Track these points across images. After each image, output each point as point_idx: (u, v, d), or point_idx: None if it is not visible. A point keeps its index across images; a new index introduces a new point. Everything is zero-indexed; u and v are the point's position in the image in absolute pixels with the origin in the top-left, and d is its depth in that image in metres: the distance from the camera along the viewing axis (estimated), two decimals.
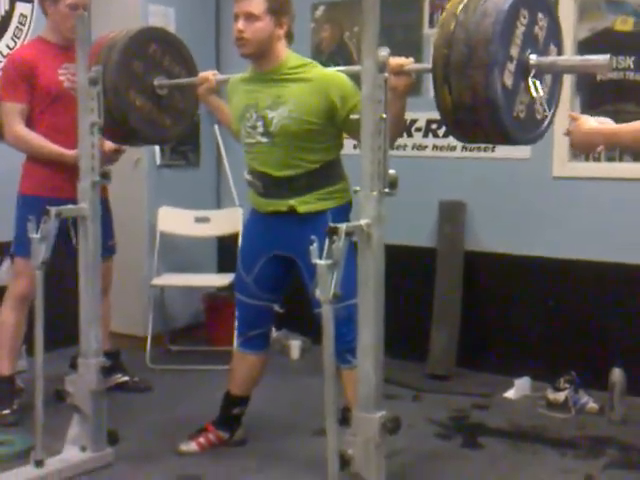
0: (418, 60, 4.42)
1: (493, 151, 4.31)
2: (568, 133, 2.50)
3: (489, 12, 2.28)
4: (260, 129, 3.05)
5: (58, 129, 3.63)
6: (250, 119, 3.08)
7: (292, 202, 3.04)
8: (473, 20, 2.28)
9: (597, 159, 4.07)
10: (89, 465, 3.15)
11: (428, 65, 2.43)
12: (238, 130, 3.19)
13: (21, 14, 4.48)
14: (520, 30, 2.35)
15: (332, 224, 2.33)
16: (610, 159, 4.05)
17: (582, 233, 4.17)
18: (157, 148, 4.82)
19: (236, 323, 3.38)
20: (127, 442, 3.36)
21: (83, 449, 3.16)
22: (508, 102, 2.33)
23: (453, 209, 4.49)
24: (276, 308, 3.33)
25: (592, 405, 3.86)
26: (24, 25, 4.49)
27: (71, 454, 3.14)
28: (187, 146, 5.03)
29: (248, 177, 3.18)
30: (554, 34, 2.51)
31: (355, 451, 2.39)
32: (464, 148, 4.40)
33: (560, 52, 2.55)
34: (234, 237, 4.70)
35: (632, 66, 3.98)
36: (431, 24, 4.50)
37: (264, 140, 3.05)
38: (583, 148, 2.47)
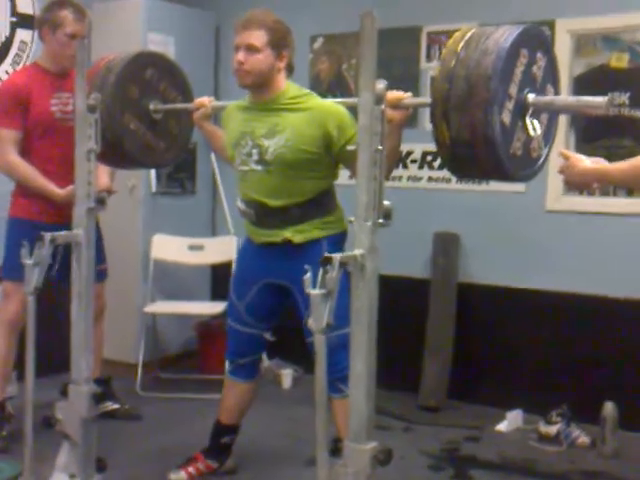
0: (415, 93, 4.48)
1: (488, 184, 4.34)
2: (562, 171, 2.53)
3: (490, 50, 2.31)
4: (255, 157, 3.06)
5: (49, 158, 3.64)
6: (245, 146, 3.09)
7: (287, 234, 3.05)
8: (474, 57, 2.31)
9: (591, 194, 4.09)
10: None
11: (426, 99, 2.45)
12: (232, 156, 3.20)
13: (21, 41, 4.51)
14: (519, 69, 2.38)
15: (327, 254, 2.34)
16: (604, 194, 4.08)
17: (575, 267, 4.18)
18: (153, 175, 4.84)
19: (226, 350, 3.37)
20: (116, 470, 3.33)
21: (72, 477, 3.12)
22: (506, 140, 2.35)
23: (447, 241, 4.50)
24: (267, 336, 3.33)
25: (584, 439, 3.86)
26: (24, 52, 4.52)
27: None
28: (183, 173, 5.05)
29: (241, 205, 3.18)
30: (552, 74, 2.55)
31: None
32: (459, 180, 4.42)
33: (557, 92, 2.58)
34: (228, 265, 4.70)
35: (627, 102, 4.01)
36: (428, 58, 4.55)
37: (259, 168, 3.06)
38: (577, 187, 2.51)
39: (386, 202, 2.41)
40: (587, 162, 2.48)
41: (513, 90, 2.36)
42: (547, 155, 2.58)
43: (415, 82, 4.56)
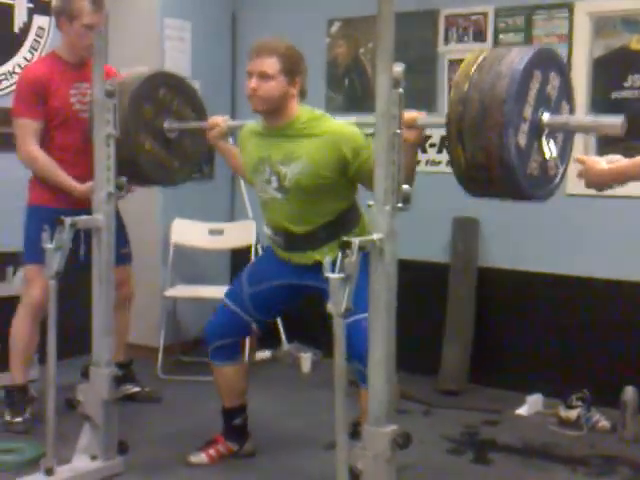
0: (432, 76, 4.49)
1: None
2: (580, 176, 2.52)
3: (503, 73, 2.30)
4: (274, 184, 3.07)
5: (66, 147, 3.66)
6: (264, 173, 3.10)
7: (317, 256, 3.00)
8: (487, 80, 2.30)
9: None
10: (99, 474, 3.16)
11: (441, 119, 2.46)
12: (251, 181, 3.22)
13: (39, 27, 4.52)
14: (533, 90, 2.37)
15: (346, 239, 2.34)
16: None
17: (595, 251, 4.16)
18: None
19: (205, 332, 3.34)
20: (137, 452, 3.36)
21: (93, 458, 3.17)
22: (522, 162, 2.35)
23: (467, 225, 4.49)
24: (254, 327, 3.32)
25: (604, 423, 3.85)
26: (42, 38, 4.53)
27: (81, 463, 3.15)
28: (200, 158, 5.04)
29: (269, 232, 3.21)
30: (566, 92, 2.54)
31: (365, 465, 2.38)
32: None
33: (572, 109, 2.58)
34: (247, 250, 4.71)
35: None
36: (446, 41, 4.52)
37: (279, 196, 3.07)
38: (597, 188, 2.50)
39: (405, 186, 2.42)
40: (603, 163, 2.47)
41: (528, 111, 2.36)
42: (564, 173, 2.57)
43: (432, 65, 4.53)
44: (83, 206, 3.32)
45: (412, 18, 4.47)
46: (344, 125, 3.03)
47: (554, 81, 2.46)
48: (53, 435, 3.03)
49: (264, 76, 2.98)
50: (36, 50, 4.51)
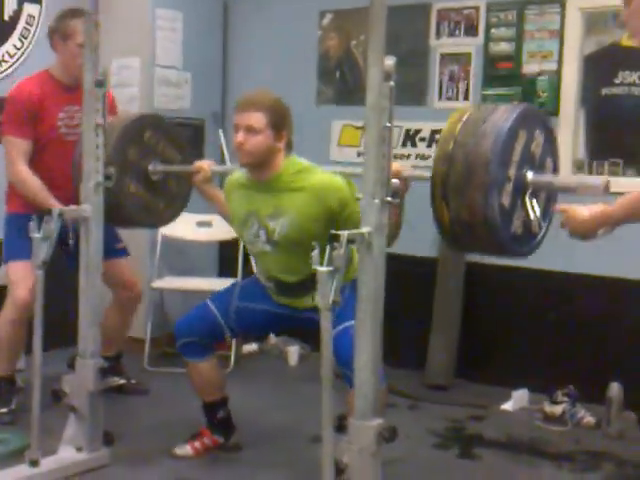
0: (423, 70, 4.48)
1: None
2: (563, 226, 2.50)
3: (488, 133, 2.31)
4: (263, 237, 3.08)
5: (51, 168, 3.63)
6: (252, 227, 3.10)
7: (309, 300, 2.90)
8: (472, 141, 2.31)
9: (600, 172, 4.07)
10: (84, 465, 3.15)
11: (425, 173, 2.48)
12: (239, 234, 3.24)
13: (29, 15, 4.49)
14: (518, 150, 2.38)
15: (334, 232, 2.33)
16: (613, 173, 4.05)
17: (583, 247, 4.13)
18: None
19: (175, 326, 3.31)
20: (123, 444, 3.36)
21: (79, 449, 3.16)
22: (505, 221, 2.37)
23: None
24: (227, 335, 3.30)
25: (589, 419, 3.86)
26: (31, 26, 4.51)
27: (67, 454, 3.14)
28: (191, 149, 5.02)
29: (261, 278, 3.23)
30: (550, 149, 2.55)
31: (350, 459, 2.39)
32: None
33: (556, 166, 2.59)
34: (235, 242, 4.70)
35: (637, 81, 3.98)
36: (438, 34, 4.52)
37: (268, 248, 3.08)
38: (583, 237, 2.47)
39: (394, 180, 2.41)
40: (585, 211, 2.43)
41: (512, 171, 2.37)
42: (547, 229, 2.58)
43: (424, 59, 4.53)
44: (66, 205, 3.29)
45: (404, 11, 4.46)
46: (329, 177, 3.02)
47: (539, 138, 2.48)
48: (38, 426, 3.01)
49: (251, 130, 2.98)
50: (26, 38, 4.48)
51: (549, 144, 2.54)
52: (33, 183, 3.61)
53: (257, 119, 2.98)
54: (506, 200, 2.35)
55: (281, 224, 3.02)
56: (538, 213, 2.48)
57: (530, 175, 2.42)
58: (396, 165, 2.58)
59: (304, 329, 3.14)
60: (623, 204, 2.34)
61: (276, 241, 3.05)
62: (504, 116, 2.35)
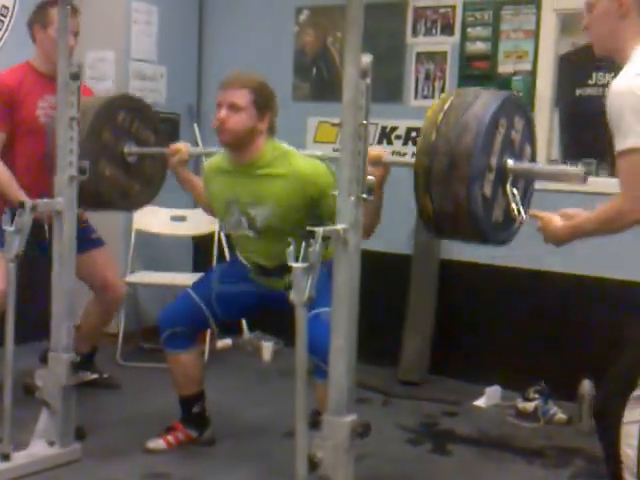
0: (400, 68, 4.49)
1: None
2: (539, 230, 2.53)
3: (470, 126, 2.34)
4: (245, 224, 3.08)
5: (30, 156, 3.60)
6: (234, 215, 3.10)
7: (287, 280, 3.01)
8: (454, 133, 2.34)
9: None
10: (56, 460, 3.13)
11: (408, 160, 2.51)
12: (221, 219, 3.24)
13: (3, 6, 4.44)
14: (499, 138, 2.42)
15: (310, 228, 2.34)
16: (586, 173, 4.07)
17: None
18: None
19: (160, 318, 3.32)
20: (95, 438, 3.34)
21: (51, 444, 3.14)
22: (487, 211, 2.42)
23: None
24: (211, 323, 3.31)
25: (561, 416, 3.90)
26: (5, 17, 4.45)
27: (38, 448, 3.12)
28: (166, 144, 5.00)
29: (241, 258, 3.23)
30: (529, 135, 2.59)
31: (324, 454, 2.39)
32: None
33: (533, 152, 2.63)
34: (210, 237, 4.70)
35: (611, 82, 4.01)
36: (414, 33, 4.53)
37: (251, 234, 3.09)
38: (556, 244, 2.52)
39: (369, 177, 2.42)
40: (557, 220, 2.47)
41: (494, 160, 2.41)
42: (524, 217, 2.61)
43: (400, 57, 4.54)
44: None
45: (381, 9, 4.46)
46: (311, 163, 3.01)
47: (518, 125, 2.51)
48: (10, 420, 2.99)
49: (234, 107, 2.97)
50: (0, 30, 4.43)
51: (528, 130, 2.57)
52: (3, 175, 3.58)
53: (241, 96, 2.96)
54: (488, 190, 2.39)
55: (261, 213, 3.02)
56: (518, 201, 2.50)
57: (510, 163, 2.45)
58: (377, 150, 2.60)
59: (283, 310, 3.12)
60: (593, 219, 2.38)
61: (258, 228, 3.05)
62: (485, 106, 2.37)
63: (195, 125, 5.06)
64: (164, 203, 4.83)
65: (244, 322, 4.90)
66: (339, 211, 2.42)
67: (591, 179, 4.02)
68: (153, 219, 4.79)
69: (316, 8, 4.83)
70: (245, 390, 4.13)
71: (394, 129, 4.57)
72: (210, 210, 3.35)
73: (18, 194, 3.49)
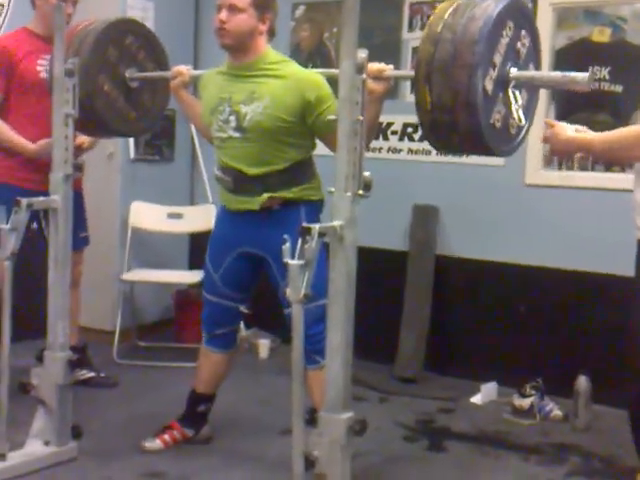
0: (396, 63, 4.48)
1: (468, 157, 4.33)
2: (546, 140, 2.52)
3: (477, 16, 2.33)
4: (233, 123, 3.04)
5: (30, 118, 3.60)
6: (223, 112, 3.06)
7: (264, 199, 3.03)
8: (461, 22, 2.32)
9: (570, 168, 4.10)
10: (52, 459, 3.12)
11: (408, 72, 2.46)
12: (209, 123, 3.16)
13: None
14: (505, 40, 2.39)
15: (305, 224, 2.33)
16: (582, 168, 4.08)
17: (553, 241, 4.20)
18: (131, 142, 4.79)
19: (202, 321, 3.35)
20: (91, 437, 3.33)
21: (46, 443, 3.13)
22: (486, 107, 2.36)
23: (426, 213, 4.51)
24: (242, 309, 3.32)
25: (557, 412, 3.89)
26: (0, 15, 4.43)
27: (34, 448, 3.11)
28: (162, 140, 5.01)
29: (218, 173, 3.17)
30: (534, 54, 2.56)
31: (320, 452, 2.39)
32: (439, 153, 4.40)
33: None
34: (206, 234, 4.63)
35: (607, 77, 4.01)
36: (410, 28, 4.52)
37: (236, 135, 3.04)
38: (560, 155, 2.51)
39: (366, 173, 2.41)
40: (571, 131, 2.47)
41: (497, 60, 2.37)
42: (526, 132, 2.58)
43: (396, 52, 4.53)
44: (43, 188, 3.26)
45: (377, 4, 4.46)
46: (310, 72, 3.05)
47: (524, 40, 2.49)
48: (6, 419, 2.98)
49: (234, 9, 2.96)
50: None
51: (534, 49, 2.55)
52: (2, 127, 3.60)
53: None
54: (489, 86, 2.35)
55: (253, 109, 2.98)
56: (520, 102, 2.47)
57: (513, 70, 2.43)
58: (376, 65, 2.58)
59: (268, 271, 3.13)
60: (607, 139, 2.36)
61: (245, 127, 3.01)
62: (494, 3, 2.36)
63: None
64: (160, 200, 4.84)
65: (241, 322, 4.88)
66: (335, 207, 2.41)
67: (587, 174, 4.09)
68: (149, 216, 4.78)
69: (312, 3, 4.82)
70: (242, 387, 4.12)
71: (390, 124, 4.56)
72: (202, 128, 3.32)
73: (21, 142, 3.56)
